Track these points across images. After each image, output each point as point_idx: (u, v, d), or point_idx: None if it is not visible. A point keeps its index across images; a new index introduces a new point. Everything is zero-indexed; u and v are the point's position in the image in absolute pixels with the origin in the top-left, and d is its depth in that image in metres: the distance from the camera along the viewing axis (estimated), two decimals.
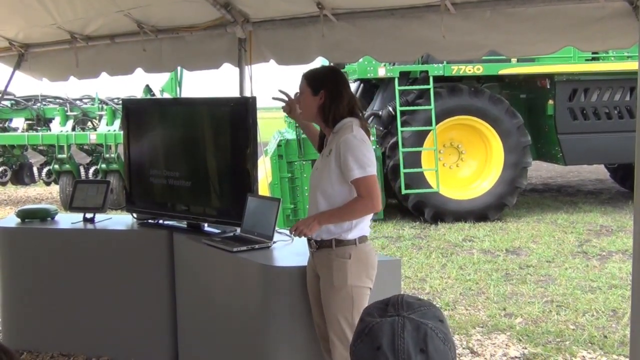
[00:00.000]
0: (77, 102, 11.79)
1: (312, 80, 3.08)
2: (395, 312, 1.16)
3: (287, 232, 3.36)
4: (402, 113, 9.34)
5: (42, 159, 11.74)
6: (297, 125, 9.35)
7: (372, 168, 2.92)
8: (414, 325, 1.14)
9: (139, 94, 11.36)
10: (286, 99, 3.36)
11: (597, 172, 14.11)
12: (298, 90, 3.16)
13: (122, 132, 5.24)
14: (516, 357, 4.46)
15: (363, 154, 2.91)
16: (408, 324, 1.14)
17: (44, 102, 11.76)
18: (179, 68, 8.49)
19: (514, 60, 9.65)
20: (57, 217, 4.65)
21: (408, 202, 9.30)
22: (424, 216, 9.28)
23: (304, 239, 3.16)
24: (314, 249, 3.06)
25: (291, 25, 3.88)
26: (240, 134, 3.85)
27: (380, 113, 9.77)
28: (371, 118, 9.86)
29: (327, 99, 3.02)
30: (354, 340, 1.18)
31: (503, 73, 9.87)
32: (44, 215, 4.59)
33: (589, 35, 2.99)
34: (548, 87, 9.98)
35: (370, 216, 3.08)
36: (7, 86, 5.92)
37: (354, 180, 2.90)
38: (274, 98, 3.44)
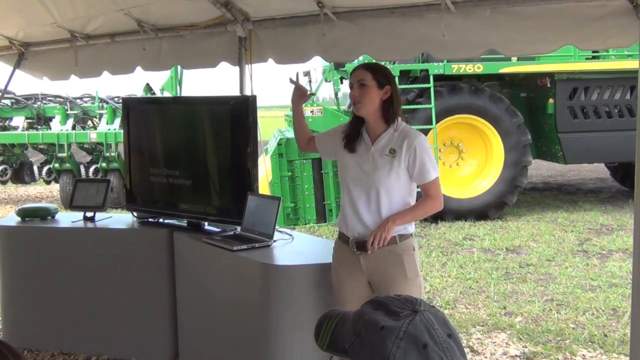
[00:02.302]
0: (78, 100, 11.79)
1: (378, 74, 3.00)
2: (407, 309, 1.17)
3: (354, 247, 3.03)
4: (403, 111, 9.32)
5: (42, 157, 11.75)
6: None
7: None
8: (434, 316, 1.17)
9: (139, 92, 11.37)
10: (300, 86, 3.40)
11: (597, 171, 14.12)
12: (356, 82, 3.01)
13: (122, 131, 5.24)
14: (516, 355, 4.46)
15: (432, 156, 3.04)
16: (430, 316, 1.16)
17: (44, 101, 11.75)
18: (179, 67, 8.51)
19: (514, 58, 9.65)
20: (57, 216, 4.65)
21: None
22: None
23: (306, 241, 3.16)
24: (372, 250, 2.95)
25: (291, 23, 3.88)
26: (240, 133, 3.85)
27: None
28: None
29: (393, 94, 3.00)
30: (386, 349, 1.14)
31: (503, 72, 9.87)
32: (44, 214, 4.59)
33: (589, 34, 2.99)
34: (548, 85, 9.98)
35: None
36: (7, 85, 5.92)
37: (431, 181, 2.97)
38: (291, 81, 3.41)
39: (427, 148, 2.99)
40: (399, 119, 3.02)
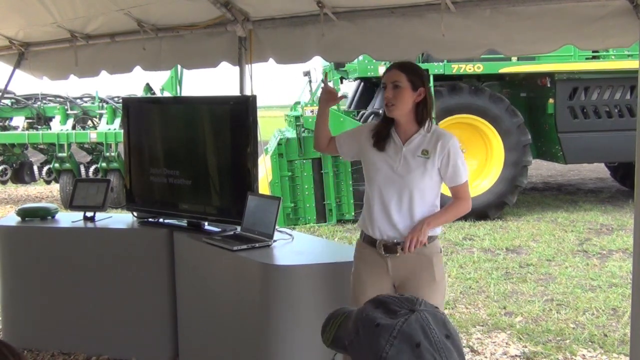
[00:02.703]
0: (78, 100, 11.79)
1: (413, 75, 2.93)
2: (405, 309, 1.17)
3: (397, 249, 2.94)
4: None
5: (42, 157, 11.76)
6: (297, 124, 9.37)
7: None
8: (432, 316, 1.17)
9: (139, 92, 11.37)
10: (329, 88, 3.25)
11: (597, 171, 14.12)
12: (390, 82, 2.93)
13: (122, 131, 5.24)
14: (516, 355, 4.46)
15: (464, 158, 3.01)
16: (428, 316, 1.16)
17: (44, 101, 11.76)
18: (179, 67, 8.52)
19: (514, 58, 9.66)
20: (57, 216, 4.65)
21: None
22: None
23: (306, 241, 3.15)
24: (405, 252, 2.90)
25: (291, 23, 3.88)
26: (240, 133, 3.85)
27: (380, 111, 9.74)
28: (371, 116, 9.86)
29: (426, 97, 2.93)
30: (379, 347, 1.14)
31: (504, 72, 9.87)
32: (45, 214, 4.59)
33: (589, 34, 2.99)
34: (548, 85, 9.98)
35: None
36: (7, 85, 5.93)
37: (462, 183, 2.96)
38: (322, 81, 3.33)
39: (459, 150, 2.97)
40: (430, 120, 2.98)
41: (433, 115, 3.01)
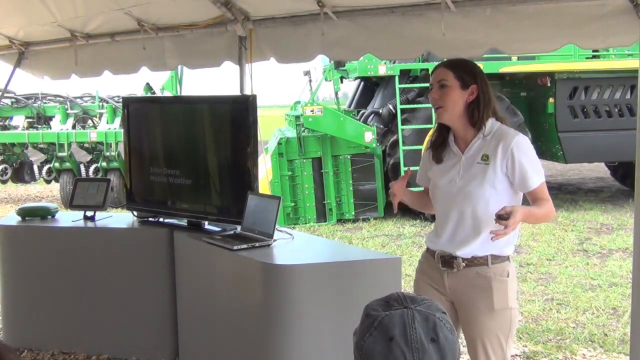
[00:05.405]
0: (78, 100, 11.80)
1: (461, 71, 2.57)
2: (401, 305, 1.18)
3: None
4: (403, 111, 9.34)
5: (42, 157, 11.77)
6: (297, 123, 9.36)
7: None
8: (423, 316, 1.16)
9: (139, 92, 11.37)
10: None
11: (597, 170, 14.12)
12: (436, 82, 2.60)
13: (122, 130, 5.24)
14: (516, 355, 4.46)
15: (535, 157, 2.58)
16: (417, 315, 1.16)
17: (44, 100, 11.77)
18: (179, 66, 8.51)
19: (514, 58, 9.66)
20: (57, 215, 4.65)
21: None
22: (424, 214, 9.28)
23: (306, 240, 3.13)
24: (458, 268, 2.59)
25: (291, 23, 3.88)
26: (240, 132, 3.85)
27: (380, 111, 9.78)
28: (371, 116, 9.86)
29: (480, 95, 2.57)
30: (362, 335, 1.18)
31: (504, 71, 9.88)
32: (45, 214, 4.58)
33: (589, 33, 2.99)
34: (549, 85, 9.98)
35: None
36: (7, 84, 5.92)
37: (536, 187, 2.53)
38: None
39: (526, 149, 2.54)
40: (491, 120, 2.60)
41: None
